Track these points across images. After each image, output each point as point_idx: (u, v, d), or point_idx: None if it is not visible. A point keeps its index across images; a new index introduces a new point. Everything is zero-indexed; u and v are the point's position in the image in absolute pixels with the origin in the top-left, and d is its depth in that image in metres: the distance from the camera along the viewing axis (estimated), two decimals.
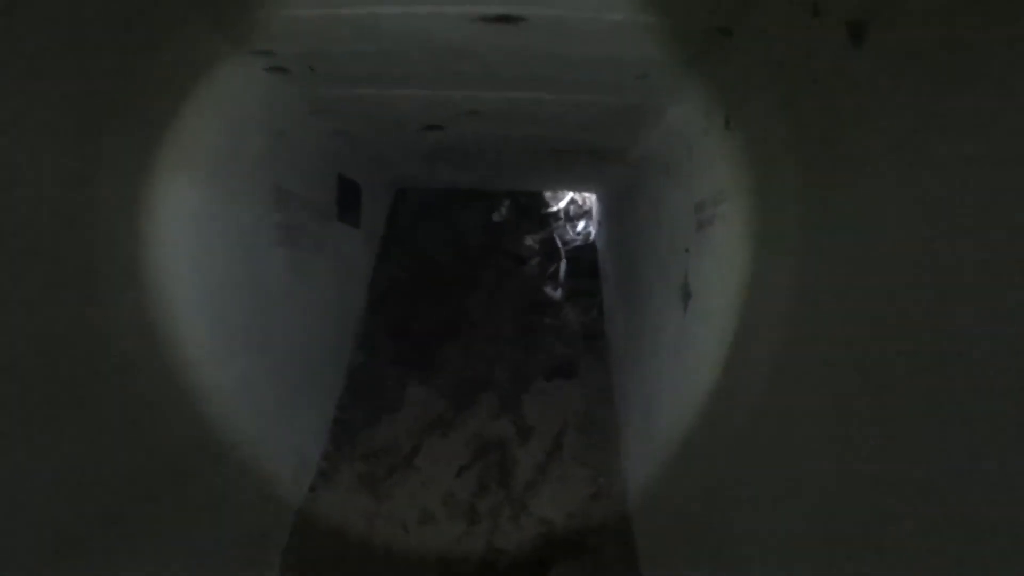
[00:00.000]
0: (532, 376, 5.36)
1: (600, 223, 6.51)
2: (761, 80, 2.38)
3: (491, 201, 6.79)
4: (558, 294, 6.20)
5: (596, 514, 4.28)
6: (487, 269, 6.33)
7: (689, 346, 3.23)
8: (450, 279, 6.21)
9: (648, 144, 4.09)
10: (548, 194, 7.02)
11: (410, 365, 5.43)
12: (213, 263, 2.98)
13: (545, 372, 5.40)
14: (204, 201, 2.87)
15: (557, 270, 6.40)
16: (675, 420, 3.37)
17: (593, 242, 6.64)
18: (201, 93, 2.72)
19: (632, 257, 4.78)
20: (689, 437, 3.14)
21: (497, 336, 5.74)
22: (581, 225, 6.87)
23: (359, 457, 4.73)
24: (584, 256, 6.52)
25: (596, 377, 5.37)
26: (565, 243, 6.64)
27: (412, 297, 6.01)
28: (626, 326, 4.93)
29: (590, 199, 6.95)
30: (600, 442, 4.80)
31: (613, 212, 5.72)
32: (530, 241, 6.62)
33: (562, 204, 6.98)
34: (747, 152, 2.56)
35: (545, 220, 6.84)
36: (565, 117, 3.85)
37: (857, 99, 1.70)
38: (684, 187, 3.36)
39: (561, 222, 6.86)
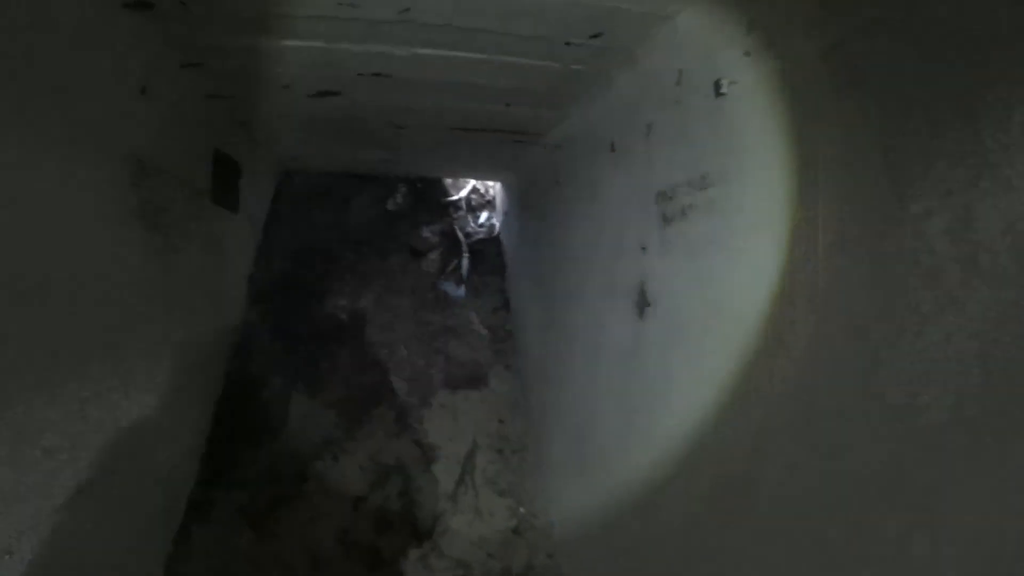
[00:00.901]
0: (434, 386, 4.77)
1: (507, 214, 5.93)
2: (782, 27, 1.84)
3: (386, 187, 6.15)
4: (461, 292, 5.56)
5: (520, 553, 3.70)
6: (381, 262, 5.68)
7: (645, 364, 2.69)
8: (340, 274, 5.53)
9: (582, 121, 3.56)
10: (448, 181, 6.40)
11: (295, 374, 4.73)
12: (33, 247, 2.29)
13: (449, 381, 4.80)
14: (23, 167, 2.18)
15: (459, 265, 5.78)
16: (622, 446, 2.89)
17: (498, 235, 6.05)
18: (23, 22, 2.08)
19: (553, 254, 4.21)
20: (639, 468, 2.67)
21: (393, 339, 5.08)
22: (484, 216, 6.29)
23: (237, 485, 4.03)
24: (488, 250, 5.96)
25: (508, 388, 4.77)
26: (467, 235, 6.04)
27: (297, 293, 5.31)
28: (544, 332, 4.35)
29: (494, 188, 6.38)
30: (517, 464, 4.23)
31: (524, 202, 5.14)
32: (428, 232, 5.98)
33: (463, 193, 6.39)
34: (751, 123, 2.01)
35: (445, 210, 6.22)
36: (488, 85, 3.32)
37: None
38: (638, 172, 2.83)
39: (462, 212, 6.27)
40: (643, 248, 2.70)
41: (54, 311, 2.41)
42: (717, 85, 2.18)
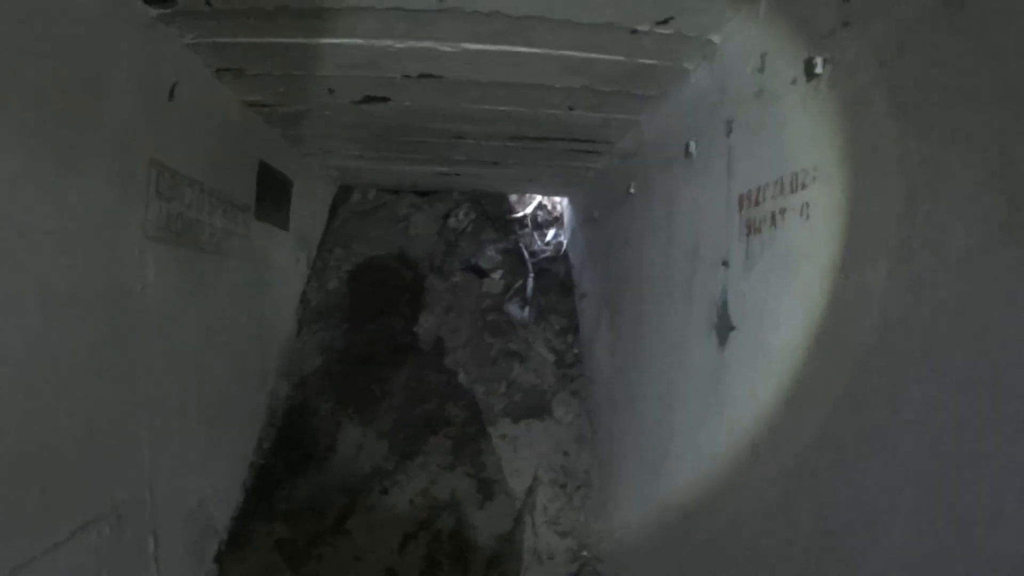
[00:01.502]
0: (495, 416, 4.47)
1: (574, 231, 5.61)
2: None
3: (447, 203, 5.88)
4: (525, 314, 5.23)
5: None
6: (441, 282, 5.40)
7: (729, 399, 2.32)
8: (397, 295, 5.28)
9: (654, 124, 3.24)
10: (513, 197, 6.13)
11: (346, 400, 4.51)
12: (40, 260, 2.05)
13: (511, 411, 4.49)
14: (28, 171, 1.95)
15: (524, 286, 5.46)
16: (701, 493, 2.51)
17: (565, 253, 5.74)
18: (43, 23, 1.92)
19: (624, 272, 3.87)
20: (721, 522, 2.31)
21: (452, 364, 4.80)
22: (551, 234, 5.98)
23: (279, 517, 3.81)
24: (555, 270, 5.62)
25: (573, 418, 4.41)
26: (532, 254, 5.74)
27: (351, 316, 5.10)
28: (615, 357, 3.99)
29: (561, 204, 6.08)
30: (581, 502, 3.87)
31: (593, 218, 4.79)
32: (492, 251, 5.69)
33: (529, 209, 6.10)
34: (854, 108, 1.68)
35: (509, 227, 5.93)
36: (546, 85, 3.00)
37: None
38: (717, 176, 2.48)
39: (528, 230, 5.96)
40: (724, 262, 2.34)
41: (67, 335, 2.19)
42: (810, 65, 1.82)
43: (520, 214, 6.03)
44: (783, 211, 1.97)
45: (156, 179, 2.70)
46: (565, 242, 5.81)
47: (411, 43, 2.60)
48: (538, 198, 6.10)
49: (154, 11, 2.35)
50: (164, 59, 2.61)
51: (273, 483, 3.96)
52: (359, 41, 2.61)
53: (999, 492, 1.18)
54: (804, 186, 1.86)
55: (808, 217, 1.84)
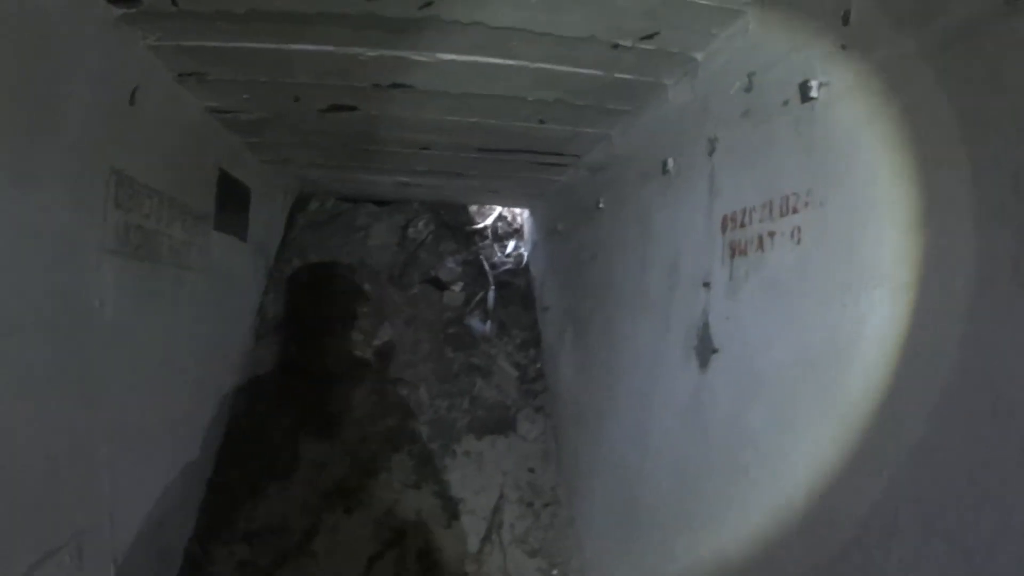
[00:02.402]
0: (458, 432, 4.41)
1: (536, 244, 5.57)
2: None
3: (406, 213, 5.77)
4: (487, 328, 5.17)
5: None
6: (401, 294, 5.31)
7: (712, 422, 2.28)
8: (357, 306, 5.17)
9: (628, 139, 3.22)
10: (473, 208, 6.04)
11: (305, 415, 4.41)
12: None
13: (474, 427, 4.43)
14: None
15: (485, 298, 5.39)
16: (682, 517, 2.47)
17: (527, 266, 5.69)
18: None
19: (592, 288, 3.84)
20: (705, 546, 2.28)
21: (413, 378, 4.73)
22: (511, 246, 5.91)
23: (240, 539, 3.73)
24: (516, 283, 5.58)
25: (538, 434, 4.36)
26: (493, 267, 5.67)
27: (310, 327, 4.97)
28: (581, 374, 3.95)
29: (522, 216, 6.02)
30: (548, 520, 3.82)
31: (557, 231, 4.74)
32: (452, 263, 5.61)
33: (489, 221, 6.02)
34: (851, 132, 1.66)
35: (470, 239, 5.86)
36: (520, 97, 2.95)
37: None
38: (699, 195, 2.45)
39: (488, 242, 5.89)
40: (705, 284, 2.30)
41: (21, 353, 2.04)
42: (805, 88, 1.79)
43: (480, 225, 5.96)
44: (772, 234, 1.94)
45: (116, 189, 2.56)
46: (526, 255, 5.76)
47: (384, 51, 2.54)
48: (498, 209, 6.03)
49: (118, 10, 2.25)
50: (126, 62, 2.49)
51: (233, 502, 3.85)
52: (330, 48, 2.53)
53: (1005, 525, 1.15)
54: (795, 210, 1.84)
55: (799, 241, 1.81)
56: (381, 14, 2.23)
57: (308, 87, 2.97)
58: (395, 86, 2.87)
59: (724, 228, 2.20)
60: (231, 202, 4.00)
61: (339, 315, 5.08)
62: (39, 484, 2.13)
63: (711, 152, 2.35)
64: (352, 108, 3.20)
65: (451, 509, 3.92)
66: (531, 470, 4.16)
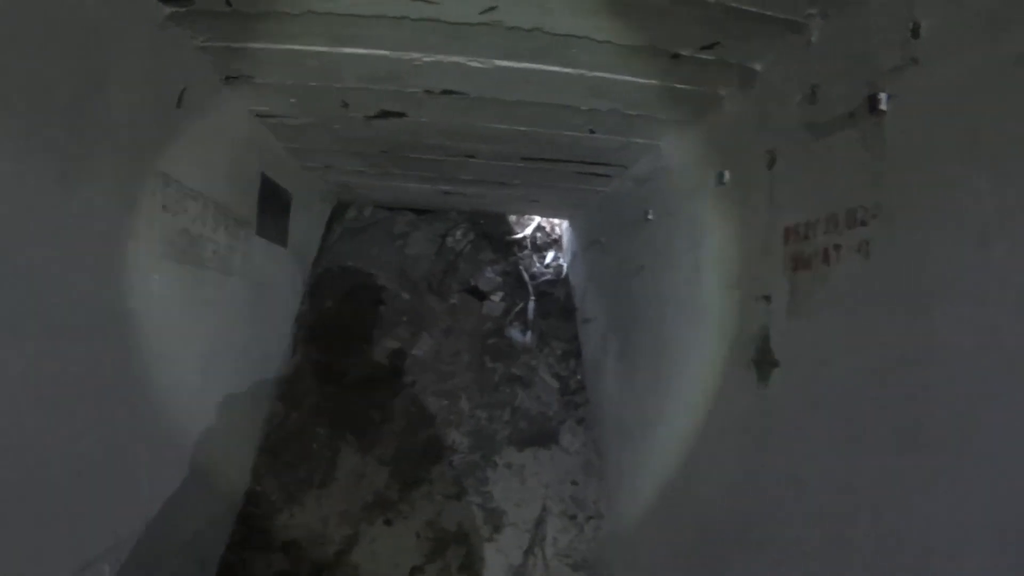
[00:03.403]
0: (499, 444, 4.36)
1: (576, 255, 5.51)
2: None
3: (445, 222, 5.75)
4: (527, 338, 5.13)
5: None
6: (440, 304, 5.28)
7: (774, 434, 2.23)
8: (395, 315, 5.14)
9: (680, 150, 3.18)
10: (512, 218, 5.99)
11: (343, 425, 4.39)
12: (39, 279, 1.88)
13: (516, 439, 4.39)
14: (27, 183, 1.79)
15: (525, 309, 5.35)
16: (737, 523, 2.42)
17: (566, 277, 5.64)
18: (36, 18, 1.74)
19: (638, 300, 3.79)
20: (762, 549, 2.22)
21: (453, 389, 4.69)
22: (550, 256, 5.86)
23: (277, 549, 3.69)
24: (556, 293, 5.52)
25: (580, 447, 4.31)
26: (532, 277, 5.61)
27: (348, 336, 4.95)
28: (626, 387, 3.89)
29: (561, 226, 5.98)
30: (592, 534, 3.78)
31: (599, 242, 4.71)
32: (491, 272, 5.57)
33: (528, 231, 5.97)
34: (922, 145, 1.62)
35: (508, 248, 5.81)
36: (572, 106, 2.92)
37: None
38: (758, 208, 2.39)
39: (527, 252, 5.83)
40: (766, 298, 2.25)
41: (67, 360, 2.03)
42: (873, 101, 1.76)
43: (519, 235, 5.92)
44: (837, 247, 1.90)
45: (163, 191, 2.55)
46: (565, 265, 5.72)
47: (440, 57, 2.50)
48: (537, 220, 5.99)
49: (168, 9, 2.23)
50: (174, 63, 2.48)
51: (271, 512, 3.83)
52: (385, 53, 2.50)
53: None
54: (863, 223, 1.79)
55: (868, 255, 1.77)
56: (442, 18, 2.20)
57: (357, 92, 2.94)
58: (447, 92, 2.84)
59: (786, 240, 2.16)
60: (272, 208, 3.99)
61: (377, 324, 5.05)
62: (78, 492, 2.10)
63: (771, 164, 2.30)
64: (400, 115, 3.17)
65: (493, 521, 3.88)
66: (574, 483, 4.12)
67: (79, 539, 2.12)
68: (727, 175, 2.66)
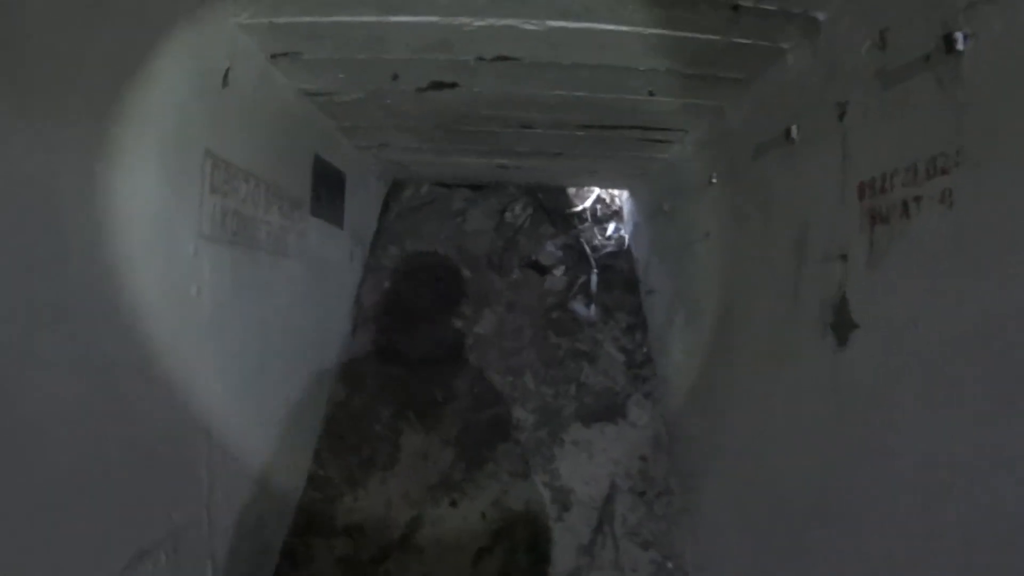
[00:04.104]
0: (566, 420, 4.27)
1: (638, 225, 5.39)
2: None
3: (503, 197, 5.66)
4: (591, 312, 5.03)
5: None
6: (501, 280, 5.22)
7: (854, 399, 2.09)
8: (456, 293, 5.10)
9: (742, 110, 3.06)
10: (571, 191, 5.87)
11: (406, 405, 4.34)
12: (87, 261, 1.86)
13: (582, 414, 4.29)
14: (71, 164, 1.76)
15: (587, 282, 5.24)
16: (813, 494, 2.30)
17: (628, 248, 5.51)
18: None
19: (704, 268, 3.67)
20: (841, 519, 2.10)
21: (517, 366, 4.62)
22: (611, 228, 5.73)
23: (340, 533, 3.65)
24: (618, 265, 5.39)
25: (648, 421, 4.21)
26: (594, 249, 5.49)
27: (409, 315, 4.91)
28: (694, 358, 3.77)
29: (621, 197, 5.85)
30: (662, 511, 3.67)
31: (662, 211, 4.58)
32: (552, 247, 5.46)
33: (587, 203, 5.85)
34: (1008, 84, 1.48)
35: (568, 222, 5.69)
36: (630, 67, 2.78)
37: None
38: (829, 162, 2.24)
39: (588, 224, 5.71)
40: (842, 256, 2.12)
41: (118, 344, 2.00)
42: (949, 41, 1.62)
43: (578, 208, 5.80)
44: (917, 199, 1.76)
45: (211, 172, 2.51)
46: (627, 236, 5.59)
47: (492, 20, 2.40)
48: (596, 191, 5.86)
49: None
50: (217, 41, 2.43)
51: (333, 496, 3.80)
52: (434, 19, 2.41)
53: None
54: (945, 171, 1.66)
55: (951, 205, 1.64)
56: None
57: (407, 63, 2.86)
58: (500, 59, 2.73)
59: (861, 195, 2.02)
60: (327, 188, 3.96)
61: (438, 302, 5.02)
62: (132, 480, 2.07)
63: (841, 116, 2.16)
64: (453, 85, 3.08)
65: (561, 500, 3.80)
66: (642, 458, 4.01)
67: (133, 527, 2.09)
68: (795, 132, 2.52)
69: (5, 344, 1.53)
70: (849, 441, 2.07)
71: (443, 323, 4.91)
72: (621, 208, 5.82)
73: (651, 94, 3.07)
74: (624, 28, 2.41)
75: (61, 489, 1.73)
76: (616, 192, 5.86)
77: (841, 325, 2.12)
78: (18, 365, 1.58)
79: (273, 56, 2.79)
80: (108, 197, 1.89)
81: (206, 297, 2.52)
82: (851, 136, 2.12)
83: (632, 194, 5.57)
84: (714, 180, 3.42)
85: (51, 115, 1.65)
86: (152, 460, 2.18)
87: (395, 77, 3.00)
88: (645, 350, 4.71)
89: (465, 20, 2.41)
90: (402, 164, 5.04)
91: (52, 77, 1.65)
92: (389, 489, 3.88)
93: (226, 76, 2.53)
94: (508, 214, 5.62)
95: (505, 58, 2.72)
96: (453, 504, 3.80)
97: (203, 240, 2.48)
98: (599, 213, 5.79)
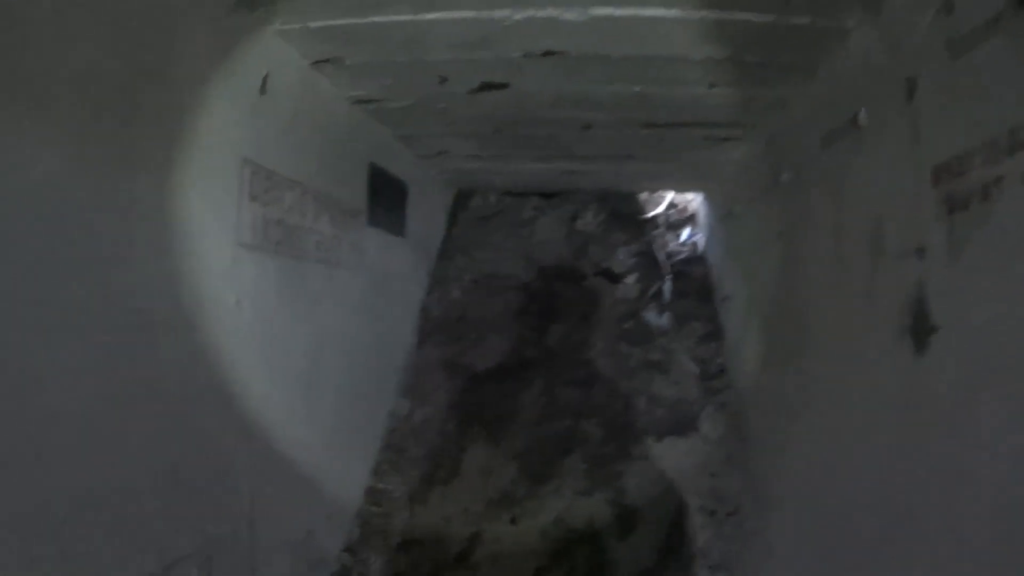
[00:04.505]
0: (635, 434, 4.08)
1: (711, 230, 5.19)
2: None
3: (574, 204, 5.52)
4: (664, 321, 4.83)
5: None
6: (571, 289, 5.07)
7: (933, 413, 1.86)
8: (525, 304, 4.97)
9: (808, 99, 2.85)
10: (643, 196, 5.70)
11: (471, 419, 4.25)
12: (119, 271, 1.88)
13: (653, 428, 4.10)
14: (100, 175, 1.79)
15: (660, 290, 5.05)
16: (889, 520, 2.06)
17: (703, 254, 5.29)
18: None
19: (775, 271, 3.45)
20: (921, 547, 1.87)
21: (586, 378, 4.47)
22: (685, 234, 5.52)
23: (396, 548, 3.58)
24: (693, 272, 5.17)
25: (721, 436, 3.99)
26: (667, 256, 5.30)
27: (476, 328, 4.82)
28: (768, 369, 3.55)
29: (695, 201, 5.65)
30: (732, 531, 3.46)
31: (733, 214, 4.39)
32: (624, 254, 5.29)
33: (660, 208, 5.66)
34: None
35: (641, 228, 5.51)
36: (684, 57, 2.62)
37: None
38: (899, 146, 2.03)
39: (660, 230, 5.52)
40: (919, 250, 1.89)
41: (150, 355, 2.01)
42: None
43: (651, 214, 5.62)
44: (998, 180, 1.54)
45: (250, 180, 2.48)
46: (701, 242, 5.38)
47: (530, 12, 2.28)
48: (669, 196, 5.67)
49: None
50: (252, 49, 2.38)
51: (391, 510, 3.73)
52: (470, 14, 2.31)
53: None
54: None
55: None
56: None
57: (453, 64, 2.78)
58: (547, 54, 2.61)
59: (937, 181, 1.80)
60: (386, 197, 3.92)
61: (507, 313, 4.90)
62: (160, 491, 2.05)
63: (910, 95, 1.95)
64: (503, 86, 2.97)
65: (626, 519, 3.63)
66: (713, 475, 3.79)
67: (160, 540, 2.05)
68: (862, 117, 2.30)
69: (39, 354, 1.59)
70: (928, 459, 1.85)
71: (512, 334, 4.79)
72: (695, 213, 5.61)
73: (711, 86, 2.90)
74: (672, 13, 2.25)
75: (82, 500, 1.73)
76: (690, 196, 5.67)
77: (919, 328, 1.90)
78: (51, 375, 1.62)
79: (315, 63, 2.74)
80: (140, 206, 1.92)
81: (247, 307, 2.49)
82: (922, 116, 1.90)
83: (706, 197, 5.38)
84: (783, 177, 3.21)
85: (84, 127, 1.69)
86: (182, 472, 2.15)
87: (443, 80, 2.93)
88: (720, 360, 4.50)
89: (503, 14, 2.30)
90: (466, 173, 4.98)
91: (83, 90, 1.69)
92: (449, 504, 3.79)
93: (264, 83, 2.51)
94: (579, 221, 5.49)
95: (552, 53, 2.60)
96: (513, 521, 3.68)
97: (242, 249, 2.46)
98: (672, 218, 5.60)
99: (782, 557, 3.07)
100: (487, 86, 2.98)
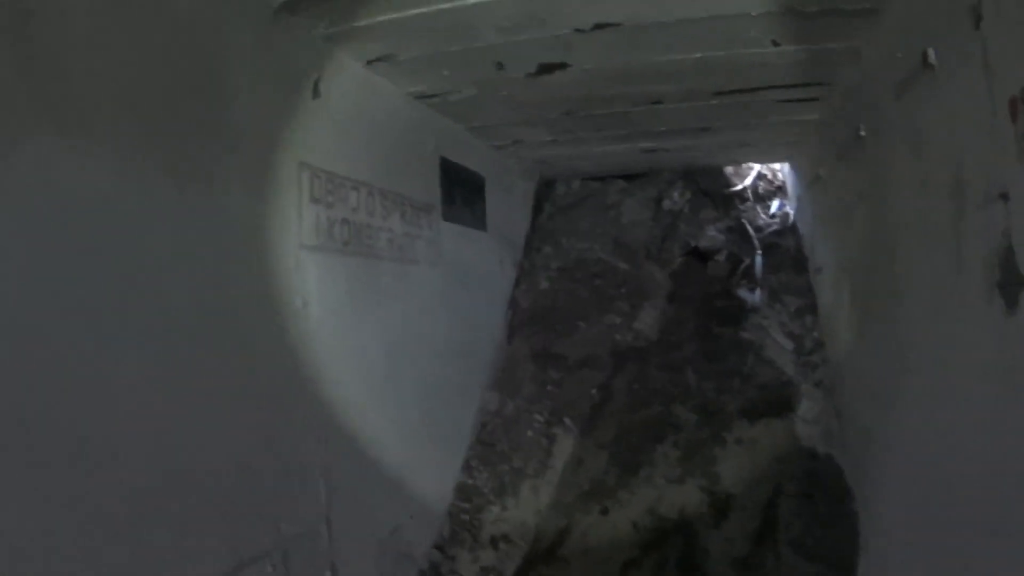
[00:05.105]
0: (728, 417, 3.95)
1: (800, 198, 5.00)
2: None
3: (658, 184, 5.40)
4: (756, 297, 4.65)
5: None
6: (661, 271, 4.99)
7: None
8: (614, 288, 4.89)
9: (875, 47, 2.67)
10: (729, 170, 5.54)
11: (561, 410, 4.19)
12: (182, 278, 1.97)
13: (747, 410, 3.95)
14: (160, 184, 1.88)
15: (752, 266, 4.89)
16: (992, 503, 1.83)
17: (793, 224, 5.09)
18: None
19: (864, 234, 3.23)
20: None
21: (677, 361, 4.36)
22: (775, 205, 5.34)
23: (486, 543, 3.55)
24: (784, 244, 4.99)
25: (819, 414, 3.79)
26: (758, 230, 5.12)
27: (566, 317, 4.76)
28: (861, 339, 3.34)
29: (782, 171, 5.48)
30: (832, 518, 3.25)
31: (819, 179, 4.17)
32: (713, 231, 5.16)
33: (748, 181, 5.49)
34: None
35: (729, 203, 5.36)
36: (740, 14, 2.50)
37: None
38: (972, 79, 1.81)
39: (749, 203, 5.35)
40: (1003, 195, 1.68)
41: (219, 358, 2.08)
42: None
43: (739, 187, 5.45)
44: None
45: (309, 183, 2.52)
46: (791, 212, 5.17)
47: None
48: (757, 167, 5.50)
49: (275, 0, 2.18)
50: (299, 54, 2.46)
51: (481, 505, 3.70)
52: None
53: None
54: None
55: None
56: None
57: (505, 48, 2.73)
58: (599, 26, 2.52)
59: (1015, 114, 1.59)
60: (461, 191, 3.93)
61: (596, 299, 4.84)
62: (231, 491, 2.11)
63: (977, 23, 1.75)
64: (562, 65, 2.91)
65: (719, 506, 3.50)
66: (812, 457, 3.60)
67: (234, 538, 2.10)
68: (932, 56, 2.09)
69: (118, 358, 1.70)
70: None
71: (601, 321, 4.73)
72: (783, 183, 5.44)
73: (775, 44, 2.74)
74: None
75: (157, 498, 1.80)
76: (777, 166, 5.51)
77: (1009, 283, 1.69)
78: (128, 378, 1.72)
79: (369, 62, 2.78)
80: (198, 215, 1.99)
81: (313, 308, 2.54)
82: (991, 43, 1.71)
83: (792, 165, 5.22)
84: (862, 133, 2.99)
85: (135, 142, 1.76)
86: (254, 472, 2.21)
87: (500, 66, 2.91)
88: (815, 335, 4.28)
89: None
90: (545, 161, 4.94)
91: (132, 107, 1.75)
92: (539, 498, 3.76)
93: (316, 87, 2.56)
94: (666, 201, 5.40)
95: (603, 26, 2.52)
96: (604, 512, 3.62)
97: (305, 251, 2.51)
98: (761, 190, 5.45)
99: (881, 546, 2.88)
100: (545, 68, 2.93)
